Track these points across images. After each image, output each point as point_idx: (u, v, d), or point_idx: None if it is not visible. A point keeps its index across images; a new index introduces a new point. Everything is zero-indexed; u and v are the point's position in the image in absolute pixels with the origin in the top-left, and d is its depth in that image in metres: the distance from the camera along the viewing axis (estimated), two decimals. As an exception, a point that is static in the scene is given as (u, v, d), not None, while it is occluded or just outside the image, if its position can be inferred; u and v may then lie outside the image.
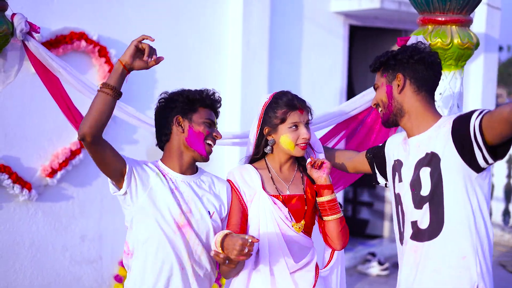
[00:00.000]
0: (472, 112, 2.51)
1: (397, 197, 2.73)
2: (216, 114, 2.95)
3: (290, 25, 6.81)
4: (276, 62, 6.63)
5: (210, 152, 2.89)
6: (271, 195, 2.95)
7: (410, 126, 2.71)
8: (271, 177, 3.00)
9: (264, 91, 6.08)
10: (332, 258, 3.07)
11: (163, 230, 2.75)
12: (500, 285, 6.81)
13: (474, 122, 2.46)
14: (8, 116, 4.98)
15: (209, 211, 2.84)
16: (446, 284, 2.54)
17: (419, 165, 2.62)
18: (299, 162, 3.10)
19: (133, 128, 5.52)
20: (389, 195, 4.71)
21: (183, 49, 6.01)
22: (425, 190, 2.58)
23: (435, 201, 2.56)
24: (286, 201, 2.96)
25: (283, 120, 2.95)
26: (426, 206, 2.58)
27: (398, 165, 2.73)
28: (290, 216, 2.93)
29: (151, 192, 2.78)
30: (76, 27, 5.22)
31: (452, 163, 2.53)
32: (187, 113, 2.83)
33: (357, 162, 3.09)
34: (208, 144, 2.87)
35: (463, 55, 3.23)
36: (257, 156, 3.07)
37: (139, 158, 3.36)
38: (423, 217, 2.58)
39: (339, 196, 6.05)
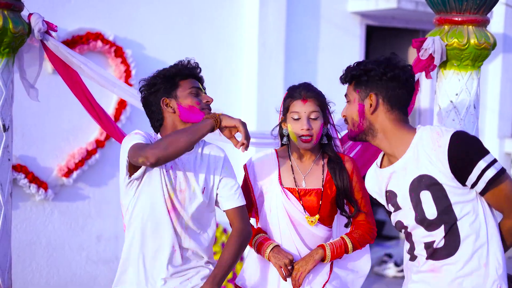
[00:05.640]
0: (475, 157, 2.41)
1: (399, 224, 2.61)
2: (200, 80, 2.88)
3: (306, 25, 6.78)
4: (292, 63, 6.61)
5: None
6: (286, 188, 2.95)
7: (387, 145, 2.57)
8: (291, 166, 3.00)
9: (280, 92, 6.05)
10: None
11: (156, 210, 2.74)
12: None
13: (481, 181, 2.42)
14: (24, 116, 5.00)
15: (204, 187, 2.79)
16: None
17: (415, 188, 2.50)
18: (324, 152, 3.03)
19: (149, 126, 5.52)
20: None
21: (199, 49, 6.01)
22: (430, 213, 2.49)
23: (447, 222, 2.48)
24: (302, 195, 2.95)
25: (287, 109, 2.97)
26: (440, 229, 2.49)
27: (391, 195, 2.59)
28: (304, 210, 2.93)
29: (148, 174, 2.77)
30: (92, 28, 5.24)
31: (452, 184, 2.45)
32: (170, 92, 2.79)
33: None
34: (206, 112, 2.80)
35: (480, 56, 3.20)
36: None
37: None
38: (438, 238, 2.50)
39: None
